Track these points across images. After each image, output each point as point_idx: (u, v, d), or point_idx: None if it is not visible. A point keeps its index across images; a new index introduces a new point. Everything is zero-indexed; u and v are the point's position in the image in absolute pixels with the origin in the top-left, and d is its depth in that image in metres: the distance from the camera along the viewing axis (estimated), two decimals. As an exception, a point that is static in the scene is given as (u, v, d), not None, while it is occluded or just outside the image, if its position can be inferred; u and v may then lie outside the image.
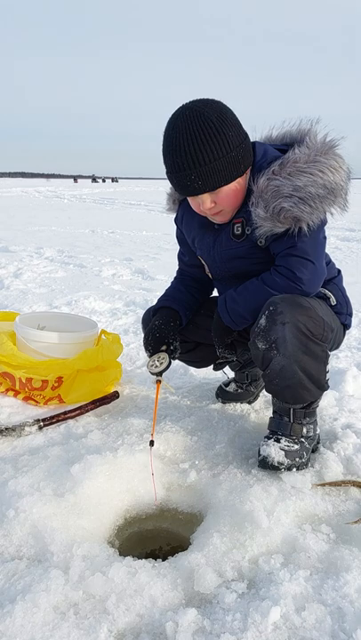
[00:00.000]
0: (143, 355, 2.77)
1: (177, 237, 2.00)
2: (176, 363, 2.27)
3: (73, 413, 2.01)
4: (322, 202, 1.48)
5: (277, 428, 1.65)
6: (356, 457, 1.68)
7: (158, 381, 1.72)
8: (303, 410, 1.64)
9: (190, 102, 1.50)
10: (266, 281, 1.61)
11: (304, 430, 1.64)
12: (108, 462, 1.56)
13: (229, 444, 1.81)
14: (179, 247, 2.02)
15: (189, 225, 1.85)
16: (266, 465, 1.57)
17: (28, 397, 2.16)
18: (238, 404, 2.17)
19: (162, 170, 1.58)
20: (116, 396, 2.19)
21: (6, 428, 1.87)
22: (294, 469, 1.58)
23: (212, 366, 2.04)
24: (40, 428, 1.91)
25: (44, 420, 1.94)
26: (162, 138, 1.52)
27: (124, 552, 1.36)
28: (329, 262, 1.81)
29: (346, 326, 1.84)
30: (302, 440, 1.63)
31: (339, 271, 1.88)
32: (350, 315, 1.85)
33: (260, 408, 2.16)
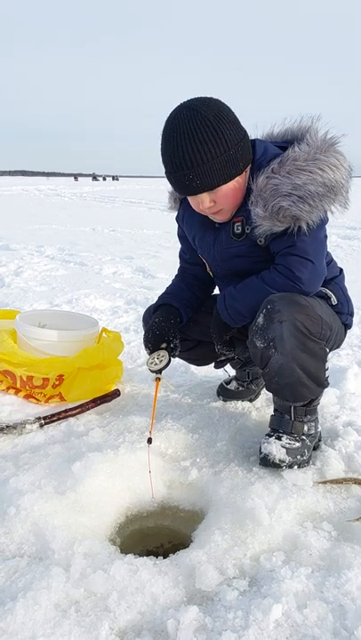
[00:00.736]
0: (144, 353, 2.77)
1: (178, 235, 1.99)
2: (177, 361, 2.27)
3: (74, 411, 2.01)
4: (321, 200, 1.47)
5: (278, 426, 1.65)
6: (357, 454, 1.68)
7: (158, 379, 1.72)
8: (304, 407, 1.64)
9: (188, 101, 1.49)
10: (265, 279, 1.61)
11: (305, 428, 1.64)
12: (109, 460, 1.56)
13: (230, 442, 1.81)
14: (180, 245, 2.02)
15: (190, 223, 1.85)
16: (267, 463, 1.57)
17: (28, 395, 2.16)
18: (239, 402, 2.17)
19: (162, 168, 1.58)
20: (117, 394, 2.19)
21: (7, 426, 1.87)
22: (296, 467, 1.58)
23: (213, 364, 2.04)
24: (41, 425, 1.92)
25: (44, 417, 1.94)
26: (160, 138, 1.52)
27: (125, 550, 1.36)
28: (331, 261, 1.80)
29: (347, 326, 1.84)
30: (303, 438, 1.63)
31: (341, 270, 1.87)
32: (351, 314, 1.84)
33: (262, 406, 2.16)
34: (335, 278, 1.80)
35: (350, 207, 1.54)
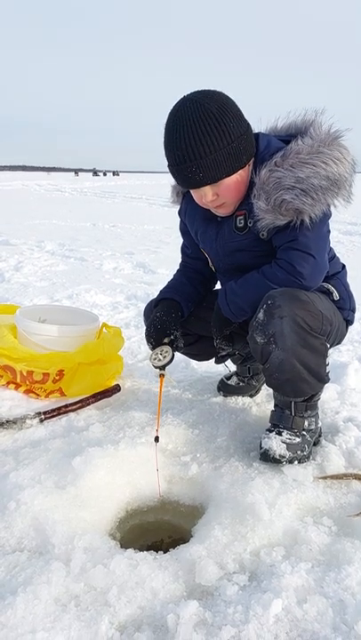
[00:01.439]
0: (144, 348, 2.77)
1: (180, 230, 1.98)
2: (178, 356, 2.26)
3: (74, 406, 2.01)
4: (325, 194, 1.46)
5: (279, 421, 1.65)
6: (357, 450, 1.68)
7: (162, 375, 1.71)
8: (304, 403, 1.64)
9: (191, 94, 1.48)
10: (266, 274, 1.60)
11: (306, 423, 1.64)
12: (109, 455, 1.56)
13: (231, 437, 1.81)
14: (182, 239, 2.01)
15: (193, 217, 1.84)
16: (267, 458, 1.57)
17: (29, 390, 2.16)
18: (240, 398, 2.16)
19: (163, 163, 1.57)
20: (117, 389, 2.18)
21: (7, 421, 1.87)
22: (296, 462, 1.58)
23: (213, 360, 2.03)
24: (41, 420, 1.91)
25: (45, 412, 1.94)
26: (163, 130, 1.51)
27: (125, 544, 1.36)
28: (333, 257, 1.80)
29: (349, 322, 1.83)
30: (304, 433, 1.63)
31: (343, 266, 1.86)
32: (353, 310, 1.83)
33: (262, 401, 2.16)
34: (338, 274, 1.80)
35: (353, 201, 1.53)
